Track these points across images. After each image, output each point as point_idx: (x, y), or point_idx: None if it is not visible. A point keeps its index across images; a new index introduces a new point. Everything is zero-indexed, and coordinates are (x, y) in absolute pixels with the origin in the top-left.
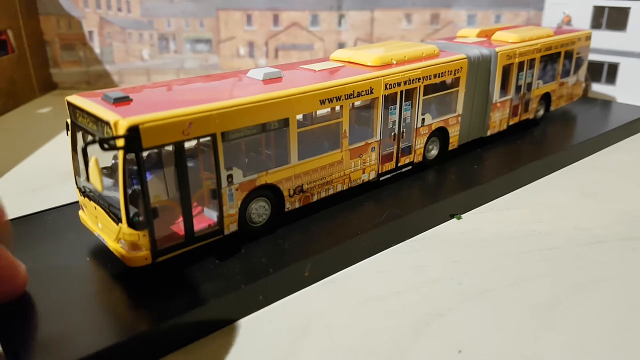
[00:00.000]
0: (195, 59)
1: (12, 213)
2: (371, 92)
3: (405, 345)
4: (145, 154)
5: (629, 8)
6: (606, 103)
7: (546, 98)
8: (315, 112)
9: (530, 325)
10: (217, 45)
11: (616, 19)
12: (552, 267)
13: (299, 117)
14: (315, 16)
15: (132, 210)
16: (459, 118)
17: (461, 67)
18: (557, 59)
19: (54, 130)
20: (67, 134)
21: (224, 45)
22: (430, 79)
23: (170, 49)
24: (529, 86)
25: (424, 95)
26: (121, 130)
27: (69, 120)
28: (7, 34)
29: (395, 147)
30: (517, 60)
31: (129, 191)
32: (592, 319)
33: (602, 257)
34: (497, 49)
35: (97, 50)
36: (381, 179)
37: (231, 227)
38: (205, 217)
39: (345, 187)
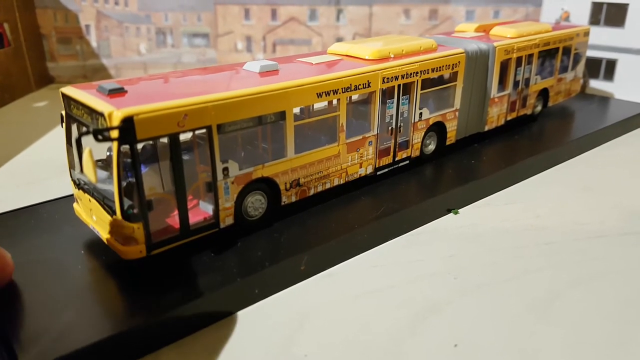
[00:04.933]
0: (192, 54)
1: (7, 206)
2: (368, 86)
3: (402, 339)
4: (140, 145)
5: (627, 4)
6: (604, 99)
7: (544, 94)
8: (312, 106)
9: (527, 319)
10: (214, 39)
11: (614, 15)
12: (550, 262)
13: (296, 110)
14: (313, 11)
15: (127, 202)
16: (457, 113)
17: (459, 62)
18: (555, 54)
19: (50, 124)
20: (62, 126)
21: (222, 40)
22: (427, 73)
23: (168, 43)
24: (527, 82)
25: (421, 90)
26: (115, 122)
27: (63, 112)
28: (4, 27)
29: (393, 141)
30: (515, 56)
31: (124, 183)
32: (590, 313)
33: (600, 251)
34: (495, 44)
35: (94, 44)
36: (378, 173)
37: (227, 220)
38: (201, 210)
39: (342, 182)
